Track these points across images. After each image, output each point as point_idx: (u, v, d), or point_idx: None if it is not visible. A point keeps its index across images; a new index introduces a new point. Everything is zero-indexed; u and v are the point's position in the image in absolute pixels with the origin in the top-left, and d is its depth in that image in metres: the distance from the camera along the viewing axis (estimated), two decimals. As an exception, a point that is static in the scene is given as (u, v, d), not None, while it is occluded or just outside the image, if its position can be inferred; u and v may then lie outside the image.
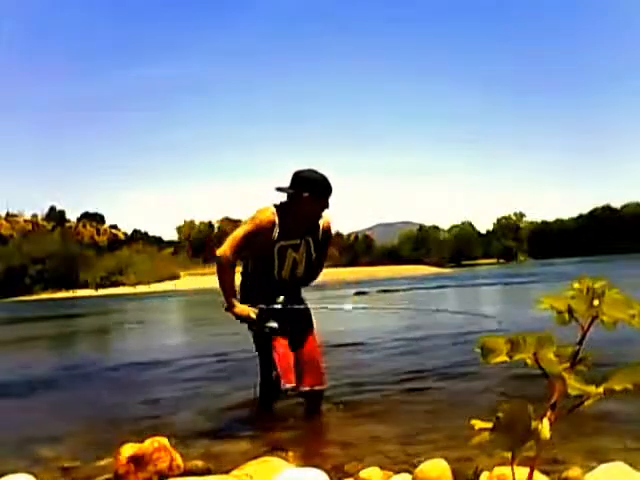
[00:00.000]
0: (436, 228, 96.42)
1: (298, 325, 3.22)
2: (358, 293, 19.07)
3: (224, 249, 3.07)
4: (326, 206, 3.18)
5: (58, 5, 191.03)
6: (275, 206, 3.15)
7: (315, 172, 3.15)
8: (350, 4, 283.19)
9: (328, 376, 3.42)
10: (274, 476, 2.03)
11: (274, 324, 3.08)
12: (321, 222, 3.23)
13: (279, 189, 3.14)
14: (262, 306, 3.12)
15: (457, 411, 3.25)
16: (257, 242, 3.11)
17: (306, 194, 3.06)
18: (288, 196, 3.14)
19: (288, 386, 3.02)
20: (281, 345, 3.10)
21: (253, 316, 3.09)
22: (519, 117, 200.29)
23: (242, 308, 3.11)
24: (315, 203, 3.10)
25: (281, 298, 3.15)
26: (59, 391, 5.03)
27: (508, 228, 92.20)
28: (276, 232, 3.10)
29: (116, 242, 74.67)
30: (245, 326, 3.18)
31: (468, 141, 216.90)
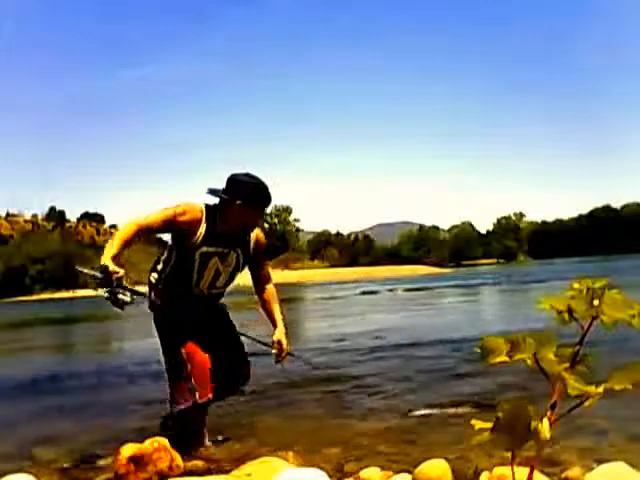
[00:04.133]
0: (436, 228, 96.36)
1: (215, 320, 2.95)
2: (366, 292, 19.09)
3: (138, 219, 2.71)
4: (260, 217, 2.91)
5: (58, 5, 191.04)
6: (206, 206, 2.79)
7: (252, 178, 2.79)
8: (350, 4, 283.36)
9: (327, 377, 3.42)
10: (274, 476, 2.03)
11: (127, 298, 2.60)
12: (252, 235, 2.90)
13: (211, 191, 2.78)
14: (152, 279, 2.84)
15: (457, 411, 3.26)
16: (177, 236, 2.78)
17: (238, 201, 2.71)
18: (220, 200, 2.78)
19: (201, 402, 2.70)
20: (193, 350, 2.77)
21: (120, 274, 2.54)
22: (519, 117, 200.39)
23: (113, 265, 2.54)
24: (246, 212, 2.75)
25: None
26: (59, 391, 5.03)
27: (508, 228, 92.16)
28: (200, 234, 2.73)
29: (116, 242, 74.53)
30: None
31: (468, 141, 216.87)
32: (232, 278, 2.92)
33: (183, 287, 2.81)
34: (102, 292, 2.61)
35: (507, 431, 1.07)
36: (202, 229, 2.73)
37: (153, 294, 2.88)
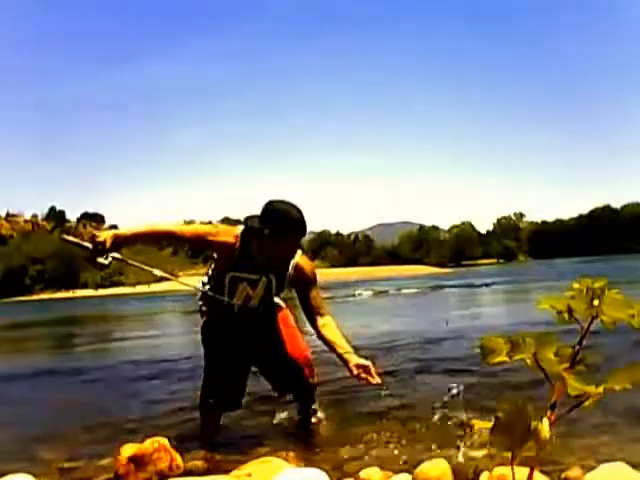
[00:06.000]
0: (436, 228, 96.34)
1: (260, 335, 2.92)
2: (366, 292, 19.03)
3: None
4: (292, 247, 2.73)
5: (58, 5, 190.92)
6: (244, 231, 2.71)
7: (287, 206, 2.66)
8: (350, 5, 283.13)
9: (326, 375, 3.41)
10: (274, 476, 2.03)
11: (106, 261, 2.60)
12: (293, 263, 2.78)
13: (247, 219, 2.74)
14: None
15: (457, 411, 3.25)
16: (214, 256, 2.82)
17: (266, 231, 2.62)
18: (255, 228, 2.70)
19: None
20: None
21: (100, 239, 2.56)
22: (519, 117, 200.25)
23: (105, 235, 2.60)
24: (277, 242, 2.64)
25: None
26: (59, 391, 5.03)
27: (508, 228, 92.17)
28: (231, 259, 2.70)
29: (116, 242, 74.54)
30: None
31: (468, 141, 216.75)
32: (267, 302, 2.85)
33: (220, 303, 2.83)
34: (85, 254, 2.66)
35: (507, 431, 1.07)
36: (234, 254, 2.69)
37: (201, 302, 2.97)
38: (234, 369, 2.90)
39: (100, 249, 2.60)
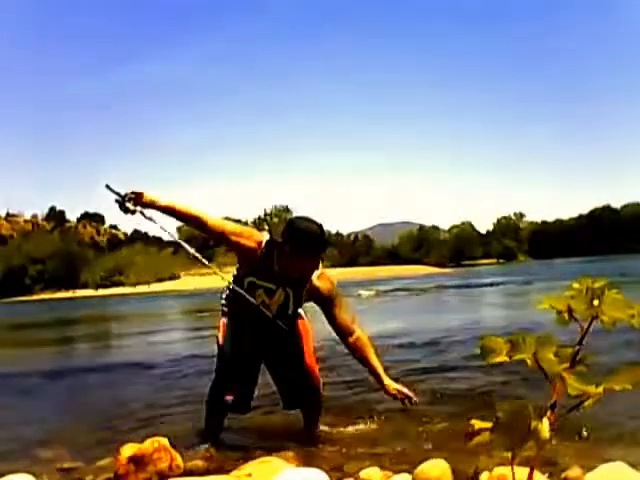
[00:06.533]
0: (436, 228, 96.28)
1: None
2: (365, 292, 19.01)
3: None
4: (309, 266, 2.71)
5: (58, 5, 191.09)
6: (269, 240, 2.73)
7: (308, 223, 2.66)
8: (350, 5, 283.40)
9: (327, 375, 3.41)
10: (274, 476, 2.03)
11: (132, 208, 2.70)
12: (314, 277, 2.75)
13: (268, 230, 2.79)
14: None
15: (457, 411, 3.26)
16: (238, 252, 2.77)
17: (286, 247, 2.63)
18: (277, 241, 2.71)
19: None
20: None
21: (137, 194, 2.69)
22: (519, 117, 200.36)
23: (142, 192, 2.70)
24: (295, 259, 2.63)
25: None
26: (59, 391, 5.03)
27: (508, 228, 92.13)
28: (251, 264, 2.73)
29: (116, 242, 74.64)
30: None
31: (468, 141, 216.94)
32: (283, 312, 2.81)
33: (241, 304, 2.82)
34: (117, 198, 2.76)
35: (507, 431, 1.07)
36: (255, 260, 2.70)
37: (225, 301, 2.95)
38: (248, 371, 2.88)
39: (133, 198, 2.70)
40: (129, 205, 2.71)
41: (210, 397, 2.89)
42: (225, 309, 2.94)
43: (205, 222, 2.73)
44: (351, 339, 2.78)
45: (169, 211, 2.73)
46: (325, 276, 2.81)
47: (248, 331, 2.86)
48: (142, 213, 2.76)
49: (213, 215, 2.77)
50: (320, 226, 2.67)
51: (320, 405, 3.03)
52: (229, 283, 2.86)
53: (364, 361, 2.79)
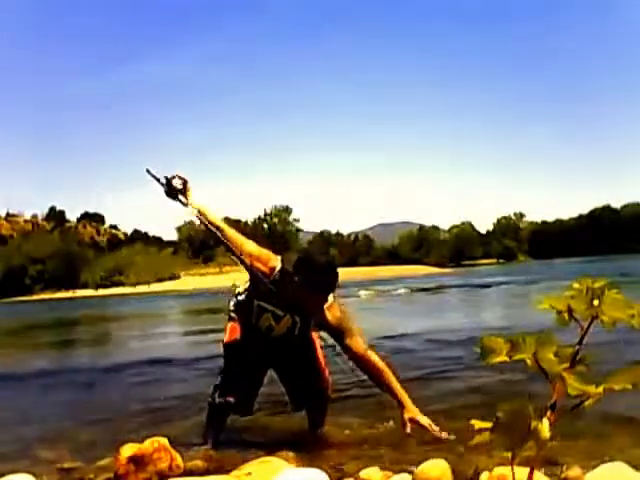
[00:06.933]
0: (436, 228, 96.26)
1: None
2: (367, 292, 18.96)
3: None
4: (316, 301, 2.67)
5: (58, 5, 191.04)
6: (283, 267, 2.68)
7: (323, 261, 2.65)
8: (350, 5, 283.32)
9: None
10: (274, 476, 2.03)
11: (178, 185, 2.78)
12: (325, 307, 2.73)
13: (283, 260, 2.72)
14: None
15: (457, 411, 3.26)
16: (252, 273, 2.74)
17: (296, 278, 2.58)
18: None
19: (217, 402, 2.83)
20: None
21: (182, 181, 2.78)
22: (519, 117, 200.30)
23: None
24: (305, 292, 2.60)
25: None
26: (58, 391, 5.03)
27: (508, 228, 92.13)
28: (261, 288, 2.70)
29: (116, 242, 74.68)
30: None
31: (468, 141, 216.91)
32: (290, 334, 2.80)
33: (250, 316, 2.83)
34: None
35: (507, 431, 1.07)
36: (265, 284, 2.68)
37: (233, 307, 2.94)
38: (253, 374, 2.88)
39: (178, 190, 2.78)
40: (176, 185, 2.77)
41: (213, 397, 2.89)
42: (233, 315, 2.93)
43: (225, 233, 2.72)
44: (367, 366, 2.75)
45: (201, 214, 2.76)
46: (335, 306, 2.78)
47: (257, 337, 2.84)
48: (181, 202, 2.81)
49: (237, 233, 2.78)
50: (333, 262, 2.69)
51: (326, 406, 3.03)
52: (237, 294, 2.91)
53: (385, 387, 2.76)
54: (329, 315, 2.74)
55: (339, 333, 2.76)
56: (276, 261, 2.72)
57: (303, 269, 2.59)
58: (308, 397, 2.97)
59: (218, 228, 2.73)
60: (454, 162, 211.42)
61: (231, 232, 2.75)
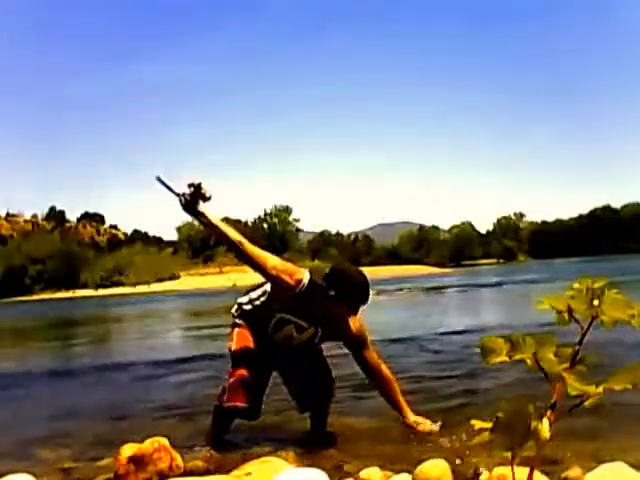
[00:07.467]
0: (436, 228, 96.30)
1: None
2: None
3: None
4: (353, 312, 2.73)
5: (57, 5, 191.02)
6: (311, 280, 2.67)
7: (356, 274, 2.70)
8: (350, 5, 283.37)
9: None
10: (274, 476, 2.03)
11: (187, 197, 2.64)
12: (351, 322, 2.80)
13: (311, 272, 2.73)
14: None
15: (457, 411, 3.26)
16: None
17: (331, 292, 2.61)
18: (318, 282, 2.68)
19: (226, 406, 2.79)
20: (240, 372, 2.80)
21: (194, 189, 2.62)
22: (519, 117, 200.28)
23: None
24: (338, 305, 2.64)
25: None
26: (59, 392, 5.03)
27: (508, 228, 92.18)
28: (285, 300, 2.71)
29: (116, 242, 74.63)
30: None
31: (468, 141, 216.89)
32: (309, 342, 2.82)
33: (259, 327, 2.82)
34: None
35: (507, 431, 1.07)
36: (290, 297, 2.67)
37: (237, 313, 2.92)
38: (259, 378, 2.84)
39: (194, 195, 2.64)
40: (189, 197, 2.63)
41: (218, 400, 2.85)
42: (239, 321, 2.90)
43: (244, 250, 2.66)
44: (379, 378, 2.92)
45: (212, 226, 2.67)
46: (355, 319, 2.82)
47: (270, 346, 2.83)
48: (204, 223, 2.69)
49: (257, 248, 2.71)
50: (366, 278, 2.71)
51: (329, 406, 3.03)
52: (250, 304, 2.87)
53: (390, 399, 2.94)
54: (352, 326, 2.80)
55: (358, 343, 2.87)
56: (302, 273, 2.69)
57: (338, 283, 2.62)
58: (316, 396, 2.96)
59: (233, 242, 2.67)
60: (454, 162, 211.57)
61: (251, 247, 2.68)
